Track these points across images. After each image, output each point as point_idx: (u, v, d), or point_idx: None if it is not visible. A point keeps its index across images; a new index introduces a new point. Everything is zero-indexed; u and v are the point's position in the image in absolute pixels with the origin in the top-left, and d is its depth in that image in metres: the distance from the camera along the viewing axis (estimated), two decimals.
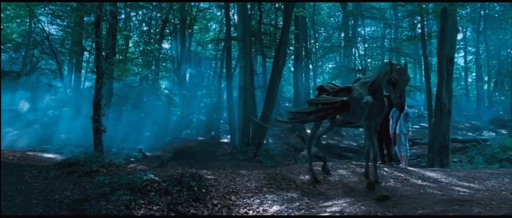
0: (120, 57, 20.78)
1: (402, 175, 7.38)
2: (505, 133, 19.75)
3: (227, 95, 20.64)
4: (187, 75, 26.19)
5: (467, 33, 35.30)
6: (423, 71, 18.04)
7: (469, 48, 35.49)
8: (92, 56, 14.20)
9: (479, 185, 6.64)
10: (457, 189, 6.18)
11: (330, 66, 38.07)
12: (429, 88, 13.40)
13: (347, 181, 6.82)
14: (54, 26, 22.34)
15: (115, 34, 15.65)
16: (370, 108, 5.75)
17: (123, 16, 22.18)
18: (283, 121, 7.81)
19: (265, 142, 16.64)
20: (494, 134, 21.38)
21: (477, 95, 33.61)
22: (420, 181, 6.90)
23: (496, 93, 33.05)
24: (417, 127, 22.08)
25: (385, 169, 7.79)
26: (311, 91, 32.18)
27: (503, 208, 4.14)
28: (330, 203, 5.43)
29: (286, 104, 30.24)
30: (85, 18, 16.44)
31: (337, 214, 4.64)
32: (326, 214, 4.76)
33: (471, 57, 35.66)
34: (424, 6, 14.70)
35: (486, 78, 34.54)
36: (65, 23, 20.64)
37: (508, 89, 27.95)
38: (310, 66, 31.62)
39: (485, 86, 34.46)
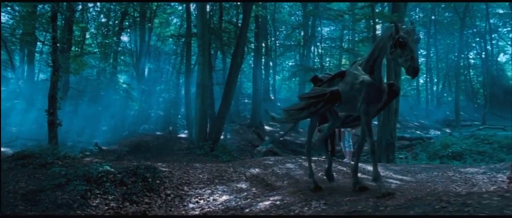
0: (77, 49, 20.38)
1: (345, 169, 8.10)
2: (449, 132, 21.28)
3: (185, 90, 20.82)
4: (146, 70, 26.07)
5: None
6: None
7: (421, 51, 37.60)
8: (46, 47, 13.93)
9: (411, 177, 7.43)
10: (390, 181, 6.90)
11: (290, 64, 38.97)
12: None
13: (294, 174, 7.40)
14: (3, 13, 21.47)
15: (71, 27, 15.43)
16: (367, 89, 4.74)
17: (80, 7, 21.69)
18: (279, 119, 7.10)
19: (222, 137, 17.07)
20: (439, 132, 22.91)
21: (426, 96, 35.78)
22: (359, 174, 7.61)
23: (445, 94, 35.31)
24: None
25: None
26: (270, 88, 33.06)
27: (419, 195, 4.80)
28: (274, 192, 5.95)
29: (246, 100, 30.76)
30: (39, 7, 16.03)
31: (277, 203, 5.17)
32: (268, 202, 5.27)
33: (423, 59, 37.85)
34: (377, 10, 15.67)
35: (435, 80, 36.78)
36: (16, 13, 19.93)
37: (455, 91, 30.01)
38: (270, 63, 32.34)
39: (435, 88, 36.71)
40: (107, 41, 22.74)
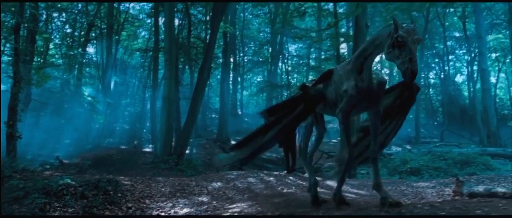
0: (40, 60, 19.92)
1: (304, 183, 8.41)
2: (409, 148, 22.17)
3: (151, 104, 20.75)
4: (112, 83, 25.75)
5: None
6: None
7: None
8: (5, 57, 13.54)
9: (366, 191, 7.81)
10: (345, 195, 7.26)
11: (259, 79, 39.54)
12: None
13: (254, 188, 7.64)
14: None
15: (34, 39, 15.16)
16: (348, 99, 4.40)
17: (44, 16, 21.21)
18: (231, 161, 6.43)
19: (188, 151, 17.10)
20: (400, 149, 23.82)
21: None
22: (318, 188, 7.95)
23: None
24: (335, 140, 23.79)
25: (290, 177, 8.81)
26: (237, 103, 33.38)
27: (367, 208, 5.15)
28: (234, 205, 6.16)
29: (213, 115, 30.89)
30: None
31: (235, 215, 5.39)
32: (227, 213, 5.48)
33: (387, 78, 39.29)
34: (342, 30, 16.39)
35: None
36: None
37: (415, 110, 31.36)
38: (239, 78, 32.75)
39: None
40: (72, 53, 22.32)
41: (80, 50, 22.56)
